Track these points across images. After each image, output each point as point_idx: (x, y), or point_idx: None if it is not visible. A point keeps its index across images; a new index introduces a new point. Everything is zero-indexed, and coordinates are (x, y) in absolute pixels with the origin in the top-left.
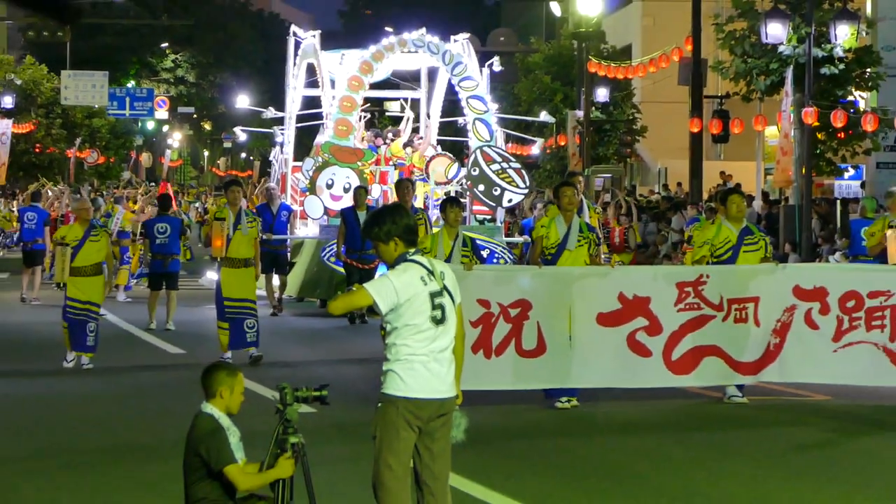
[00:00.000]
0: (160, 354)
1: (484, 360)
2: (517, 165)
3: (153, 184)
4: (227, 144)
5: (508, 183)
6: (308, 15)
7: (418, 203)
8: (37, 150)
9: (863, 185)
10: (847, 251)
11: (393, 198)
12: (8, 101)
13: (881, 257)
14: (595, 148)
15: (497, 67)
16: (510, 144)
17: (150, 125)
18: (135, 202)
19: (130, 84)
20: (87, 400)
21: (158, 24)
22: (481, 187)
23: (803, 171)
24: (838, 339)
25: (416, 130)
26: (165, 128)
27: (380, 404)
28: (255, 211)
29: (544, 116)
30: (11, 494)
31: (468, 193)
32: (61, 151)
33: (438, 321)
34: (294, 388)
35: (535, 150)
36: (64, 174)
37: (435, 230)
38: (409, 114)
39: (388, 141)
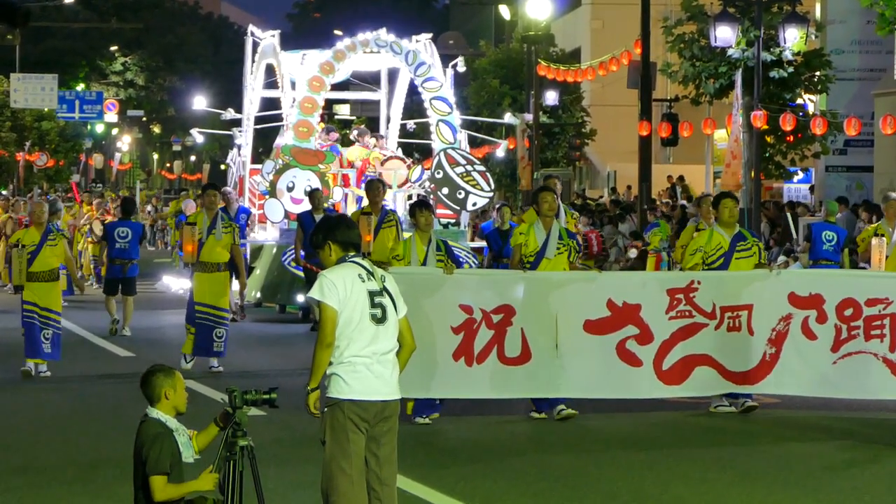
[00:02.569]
0: (112, 359)
1: (465, 367)
2: (482, 168)
3: (99, 185)
4: (177, 148)
5: (473, 186)
6: (257, 18)
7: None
8: None
9: (812, 188)
10: (809, 255)
11: (352, 200)
12: None
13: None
14: (544, 151)
15: (461, 68)
16: None
17: (100, 128)
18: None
19: (80, 87)
20: (38, 405)
21: (108, 28)
22: (445, 190)
23: (752, 174)
24: (837, 350)
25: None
26: (115, 131)
27: (326, 409)
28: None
29: (509, 118)
30: None
31: (432, 196)
32: (10, 154)
33: (379, 320)
34: (243, 391)
35: (499, 152)
36: (13, 177)
37: (406, 235)
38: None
39: (354, 139)
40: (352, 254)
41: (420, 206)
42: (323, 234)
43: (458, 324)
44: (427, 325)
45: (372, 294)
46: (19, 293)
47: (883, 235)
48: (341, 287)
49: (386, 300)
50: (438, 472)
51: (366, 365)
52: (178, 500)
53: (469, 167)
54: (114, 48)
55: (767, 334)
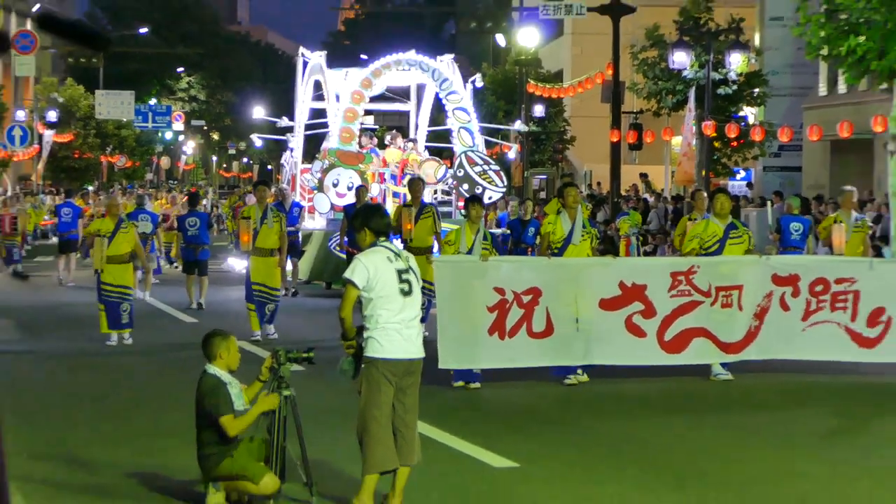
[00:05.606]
0: (180, 326)
1: (499, 340)
2: (496, 168)
3: (174, 182)
4: (232, 151)
5: (489, 183)
6: (297, 45)
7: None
8: (76, 156)
9: (749, 185)
10: (779, 243)
11: (389, 195)
12: (52, 116)
13: (831, 249)
14: (532, 154)
15: (479, 84)
16: None
17: (169, 135)
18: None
19: (152, 101)
20: (117, 363)
21: (175, 53)
22: (465, 186)
23: (703, 173)
24: (806, 319)
25: (406, 136)
26: (181, 137)
27: (363, 365)
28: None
29: (519, 125)
30: (60, 439)
31: (454, 191)
32: (95, 157)
33: (406, 293)
34: (287, 350)
35: (511, 154)
36: (98, 176)
37: (456, 226)
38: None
39: (388, 143)
40: (382, 239)
41: (473, 200)
42: (361, 220)
43: (493, 304)
44: (468, 305)
45: (399, 272)
46: (98, 275)
47: (842, 222)
48: (372, 269)
49: (412, 276)
50: (445, 417)
51: (396, 330)
52: (233, 440)
53: (486, 167)
54: (180, 69)
55: (754, 310)
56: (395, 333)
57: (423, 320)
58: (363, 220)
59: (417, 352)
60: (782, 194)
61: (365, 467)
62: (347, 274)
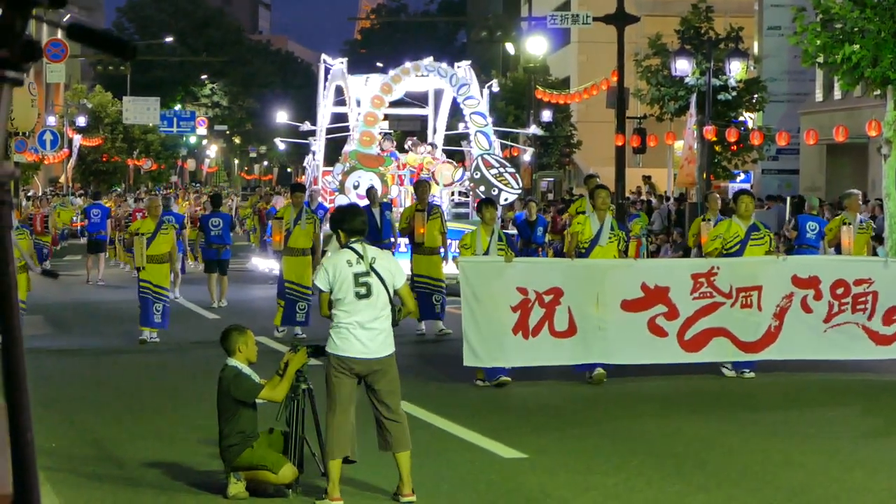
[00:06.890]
0: (204, 323)
1: (522, 339)
2: (512, 170)
3: (197, 184)
4: (253, 155)
5: (504, 185)
6: (317, 54)
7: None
8: (104, 160)
9: (752, 187)
10: (795, 241)
11: (407, 196)
12: (82, 121)
13: (836, 249)
14: (540, 158)
15: (496, 88)
16: None
17: (193, 139)
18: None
19: (177, 107)
20: (146, 358)
21: (199, 61)
22: (482, 188)
23: (704, 176)
24: (829, 321)
25: (423, 140)
26: (204, 141)
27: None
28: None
29: (534, 129)
30: (87, 432)
31: (472, 193)
32: (122, 160)
33: (363, 296)
34: (306, 344)
35: (526, 157)
36: (124, 178)
37: (473, 228)
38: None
39: (408, 148)
40: (353, 240)
41: (486, 203)
42: (334, 222)
43: (516, 303)
44: (491, 305)
45: (357, 276)
46: (138, 273)
47: (850, 224)
48: (331, 272)
49: (372, 279)
50: (455, 409)
51: (349, 330)
52: (254, 432)
53: (502, 169)
54: (203, 77)
55: (773, 310)
56: (348, 333)
57: (439, 317)
58: (335, 223)
59: (376, 351)
60: (782, 197)
61: (326, 454)
62: (316, 281)
